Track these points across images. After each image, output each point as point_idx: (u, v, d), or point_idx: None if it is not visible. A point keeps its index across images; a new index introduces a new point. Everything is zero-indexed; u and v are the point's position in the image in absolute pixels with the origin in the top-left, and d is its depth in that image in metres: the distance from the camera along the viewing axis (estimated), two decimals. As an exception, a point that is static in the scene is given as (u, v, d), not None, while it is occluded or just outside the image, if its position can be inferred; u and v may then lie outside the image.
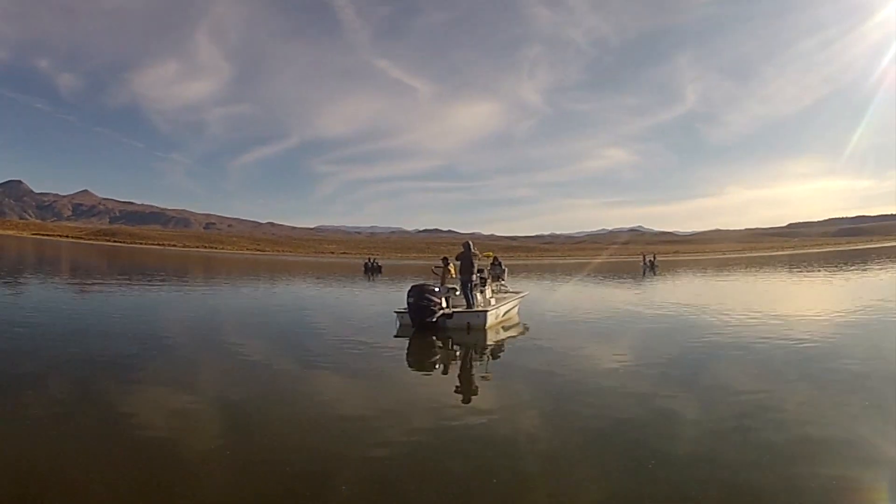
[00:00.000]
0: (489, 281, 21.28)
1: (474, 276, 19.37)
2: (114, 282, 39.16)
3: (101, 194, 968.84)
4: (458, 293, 19.41)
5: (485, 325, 18.12)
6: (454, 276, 20.40)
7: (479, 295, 19.56)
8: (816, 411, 9.22)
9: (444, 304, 18.47)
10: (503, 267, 23.75)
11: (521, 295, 23.35)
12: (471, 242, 19.77)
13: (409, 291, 18.24)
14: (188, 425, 8.49)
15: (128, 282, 39.30)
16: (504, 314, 20.22)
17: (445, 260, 21.94)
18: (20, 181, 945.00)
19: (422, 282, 19.51)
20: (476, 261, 19.54)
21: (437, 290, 18.51)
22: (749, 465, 6.88)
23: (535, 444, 7.89)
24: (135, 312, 22.28)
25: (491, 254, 22.93)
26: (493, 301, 20.22)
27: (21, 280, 35.71)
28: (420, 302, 17.86)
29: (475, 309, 18.81)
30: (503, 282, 23.59)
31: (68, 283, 36.02)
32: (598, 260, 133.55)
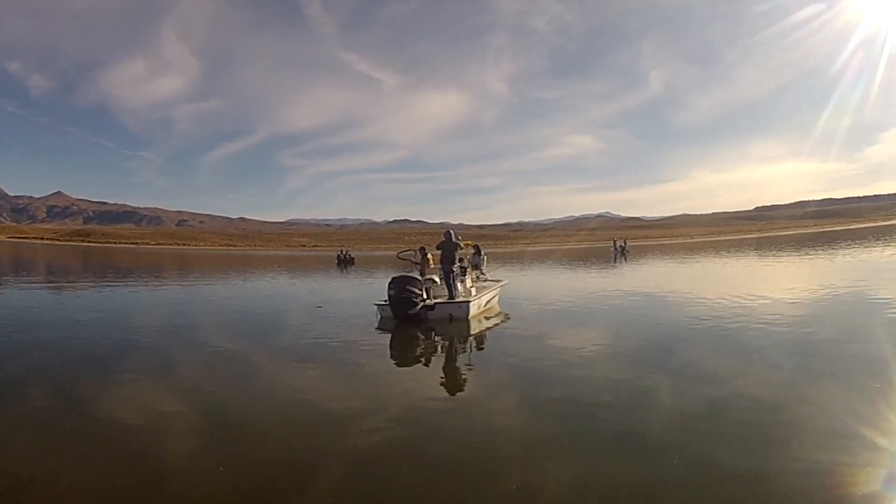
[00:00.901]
0: (469, 270, 20.73)
1: (455, 266, 18.80)
2: (90, 282, 38.25)
3: (74, 195, 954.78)
4: (439, 283, 18.84)
5: (467, 315, 17.62)
6: (433, 265, 19.85)
7: (459, 285, 18.99)
8: (789, 392, 9.19)
9: (425, 296, 17.82)
10: (482, 255, 23.06)
11: (501, 284, 22.87)
12: (452, 231, 19.24)
13: (390, 283, 17.67)
14: (168, 423, 8.37)
15: (104, 282, 38.38)
16: (486, 304, 19.72)
17: (423, 250, 21.21)
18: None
19: (402, 273, 18.84)
20: (458, 250, 18.99)
21: (418, 281, 17.88)
22: (723, 445, 6.90)
23: (518, 430, 7.93)
24: (111, 313, 21.58)
25: (470, 242, 22.18)
26: (473, 291, 19.69)
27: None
28: (402, 294, 17.27)
29: (457, 299, 18.29)
30: (482, 271, 22.96)
31: (44, 286, 35.11)
32: (568, 246, 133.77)
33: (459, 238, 19.38)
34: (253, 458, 6.85)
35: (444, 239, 18.94)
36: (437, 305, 17.77)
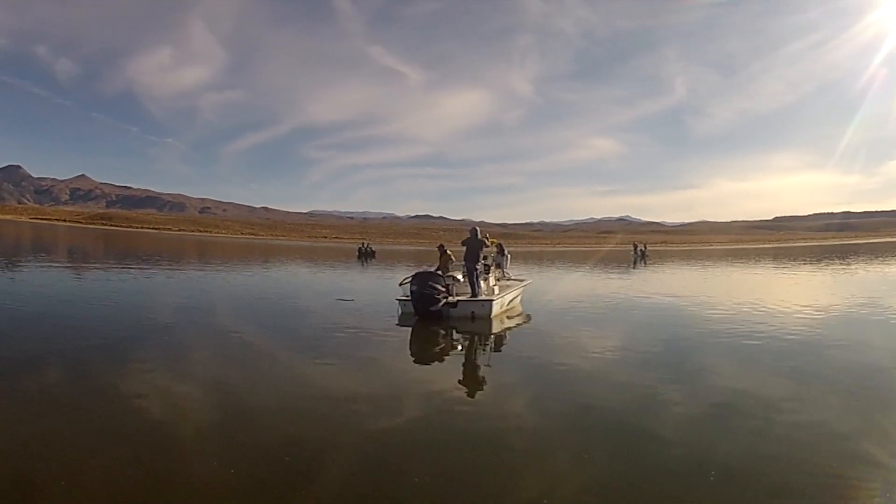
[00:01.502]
0: (493, 268, 20.23)
1: (480, 264, 18.34)
2: (110, 265, 38.22)
3: (98, 179, 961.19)
4: (461, 280, 18.37)
5: (490, 314, 17.23)
6: (454, 262, 19.35)
7: (482, 283, 18.49)
8: (800, 404, 9.16)
9: (448, 293, 17.35)
10: (506, 254, 22.46)
11: (525, 283, 22.36)
12: (478, 228, 18.63)
13: (413, 279, 17.29)
14: (183, 411, 8.28)
15: (124, 266, 38.24)
16: (508, 303, 19.29)
17: (442, 247, 20.46)
18: (19, 166, 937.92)
19: (425, 269, 18.41)
20: (483, 248, 18.48)
21: (441, 277, 17.43)
22: (737, 453, 6.89)
23: (533, 432, 7.82)
24: (131, 296, 21.59)
25: (496, 240, 21.55)
26: (496, 289, 19.19)
27: (18, 264, 34.68)
28: (424, 290, 16.88)
29: (480, 298, 17.82)
30: (505, 270, 22.40)
31: (65, 267, 35.07)
32: (588, 248, 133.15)
33: (486, 236, 18.85)
34: (266, 449, 6.84)
35: (469, 236, 18.43)
36: (459, 303, 17.32)
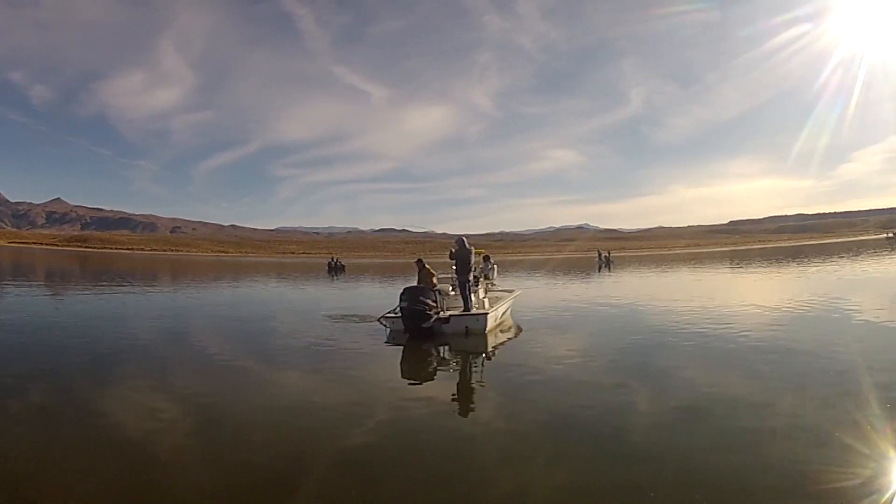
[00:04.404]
0: (482, 280, 18.69)
1: (471, 275, 16.88)
2: (87, 287, 37.08)
3: (72, 202, 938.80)
4: (452, 293, 16.89)
5: (485, 328, 15.83)
6: (436, 275, 17.81)
7: (472, 296, 17.01)
8: (764, 399, 9.12)
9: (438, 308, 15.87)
10: (491, 264, 20.81)
11: (515, 294, 20.74)
12: (465, 238, 17.15)
13: (402, 294, 15.85)
14: (167, 425, 8.29)
15: (101, 287, 36.98)
16: (501, 316, 17.86)
17: (421, 261, 18.83)
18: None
19: (414, 284, 16.95)
20: (473, 258, 17.05)
21: (431, 292, 15.91)
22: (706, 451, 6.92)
23: (545, 455, 7.17)
24: (109, 316, 21.15)
25: (482, 251, 19.95)
26: (486, 302, 17.76)
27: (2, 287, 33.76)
28: (414, 305, 15.42)
29: (473, 312, 16.42)
30: (493, 280, 20.77)
31: (43, 290, 34.16)
32: (550, 256, 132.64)
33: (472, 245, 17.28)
34: (249, 462, 6.82)
35: (457, 247, 17.00)
36: (451, 318, 15.91)
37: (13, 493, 5.95)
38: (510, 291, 21.04)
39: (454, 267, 17.06)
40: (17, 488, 6.04)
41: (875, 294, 24.78)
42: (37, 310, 22.36)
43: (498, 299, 18.75)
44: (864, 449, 6.69)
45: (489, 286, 19.72)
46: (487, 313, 16.20)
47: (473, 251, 17.38)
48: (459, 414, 9.16)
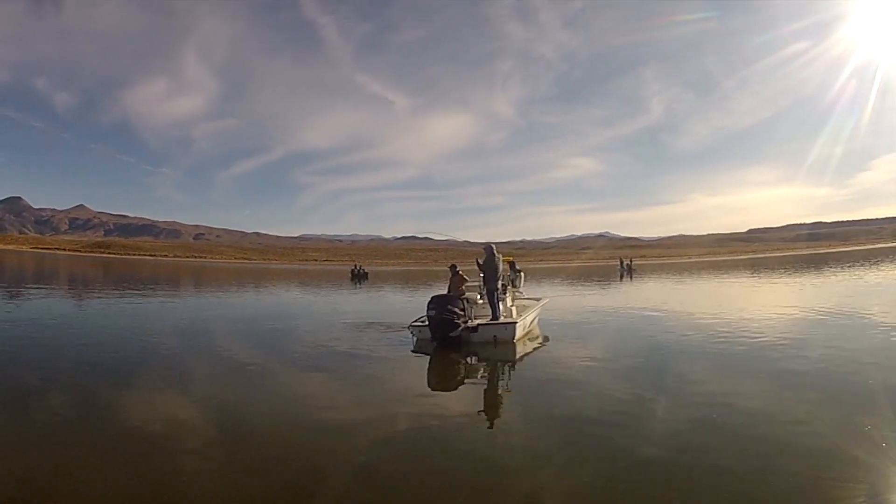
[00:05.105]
0: (509, 288, 18.35)
1: (499, 283, 16.60)
2: (110, 292, 37.20)
3: (95, 208, 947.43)
4: (480, 301, 16.65)
5: (514, 337, 15.48)
6: (469, 282, 17.58)
7: (500, 304, 16.71)
8: (782, 408, 8.99)
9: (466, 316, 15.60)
10: (518, 271, 20.42)
11: (542, 302, 20.28)
12: (493, 246, 16.83)
13: (430, 302, 15.51)
14: (187, 431, 8.18)
15: (123, 292, 37.11)
16: (530, 324, 17.54)
17: (454, 267, 18.54)
18: (20, 197, 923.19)
19: (442, 292, 16.74)
20: (501, 265, 16.79)
21: (460, 300, 15.66)
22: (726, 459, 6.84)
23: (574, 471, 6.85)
24: (132, 321, 21.08)
25: (509, 258, 19.59)
26: (514, 311, 17.46)
27: (21, 292, 33.57)
28: (442, 314, 15.08)
29: (502, 320, 16.09)
30: (520, 288, 20.39)
31: (66, 295, 34.39)
32: (572, 264, 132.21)
33: (499, 252, 17.02)
34: (265, 469, 6.73)
35: (485, 255, 16.70)
36: (480, 327, 15.60)
37: (29, 492, 6.04)
38: (537, 300, 20.62)
39: (482, 275, 16.79)
40: (33, 487, 6.13)
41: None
42: (56, 315, 22.17)
43: (525, 307, 18.45)
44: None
45: (516, 294, 19.47)
46: (516, 322, 15.88)
47: (501, 259, 17.14)
48: (483, 424, 8.92)
